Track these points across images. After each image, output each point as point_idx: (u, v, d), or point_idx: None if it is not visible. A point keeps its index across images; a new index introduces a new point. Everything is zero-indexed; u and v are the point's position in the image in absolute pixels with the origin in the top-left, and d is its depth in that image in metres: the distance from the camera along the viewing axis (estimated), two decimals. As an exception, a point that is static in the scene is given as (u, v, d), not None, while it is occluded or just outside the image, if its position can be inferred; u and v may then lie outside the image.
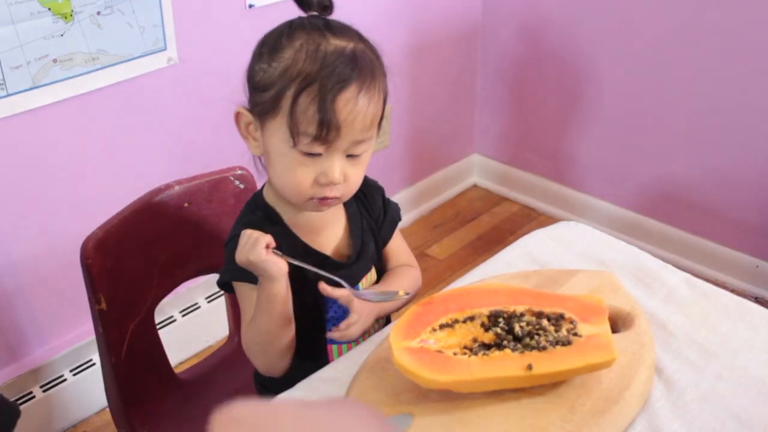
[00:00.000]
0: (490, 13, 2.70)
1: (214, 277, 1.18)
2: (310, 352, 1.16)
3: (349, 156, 1.04)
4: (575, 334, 0.97)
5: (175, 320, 2.06)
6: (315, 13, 1.05)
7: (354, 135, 1.01)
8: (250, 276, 1.06)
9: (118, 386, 1.28)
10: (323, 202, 1.06)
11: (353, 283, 1.13)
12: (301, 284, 1.08)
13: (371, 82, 1.03)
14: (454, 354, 0.94)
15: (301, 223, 1.12)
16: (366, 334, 1.18)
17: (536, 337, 0.96)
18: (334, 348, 1.17)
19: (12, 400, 1.57)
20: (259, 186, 1.20)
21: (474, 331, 0.97)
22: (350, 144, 1.02)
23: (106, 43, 1.70)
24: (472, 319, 0.98)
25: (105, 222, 1.24)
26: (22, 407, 1.81)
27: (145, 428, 1.31)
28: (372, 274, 1.19)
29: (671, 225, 2.51)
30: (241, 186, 1.38)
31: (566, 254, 1.33)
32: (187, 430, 1.32)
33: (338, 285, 1.08)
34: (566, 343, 0.96)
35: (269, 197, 1.14)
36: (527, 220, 2.79)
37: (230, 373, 1.44)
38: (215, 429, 0.52)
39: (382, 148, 2.56)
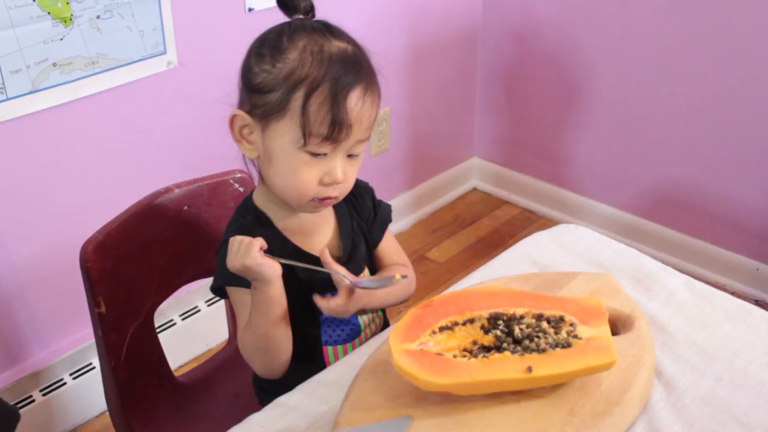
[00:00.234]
0: (490, 17, 2.70)
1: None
2: (306, 354, 1.16)
3: (349, 156, 1.07)
4: (575, 337, 0.97)
5: (175, 324, 2.06)
6: (300, 16, 1.06)
7: (359, 134, 1.04)
8: (243, 280, 1.06)
9: (117, 389, 1.28)
10: (324, 202, 1.08)
11: None
12: (293, 286, 1.09)
13: (373, 82, 1.07)
14: (454, 356, 0.94)
15: (292, 226, 1.13)
16: (366, 331, 1.19)
17: (536, 339, 0.96)
18: (329, 349, 1.18)
19: (12, 404, 1.57)
20: (257, 189, 1.20)
21: (474, 333, 0.97)
22: (354, 143, 1.05)
23: (105, 47, 1.70)
24: (471, 321, 0.98)
25: (104, 225, 1.24)
26: (21, 411, 1.80)
27: (145, 431, 1.31)
28: (365, 275, 1.19)
29: (671, 228, 2.51)
30: (241, 189, 1.38)
31: (566, 257, 1.33)
32: (186, 433, 1.32)
33: (329, 279, 1.08)
34: (566, 345, 0.96)
35: (259, 201, 1.14)
36: (527, 223, 2.79)
37: (229, 376, 1.43)
38: None
39: (382, 152, 2.56)
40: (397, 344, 0.93)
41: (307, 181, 1.04)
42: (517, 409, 0.94)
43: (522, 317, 0.99)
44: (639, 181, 2.53)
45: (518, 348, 0.95)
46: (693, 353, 1.11)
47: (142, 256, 1.28)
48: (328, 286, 1.09)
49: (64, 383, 1.89)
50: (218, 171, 1.39)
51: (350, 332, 1.18)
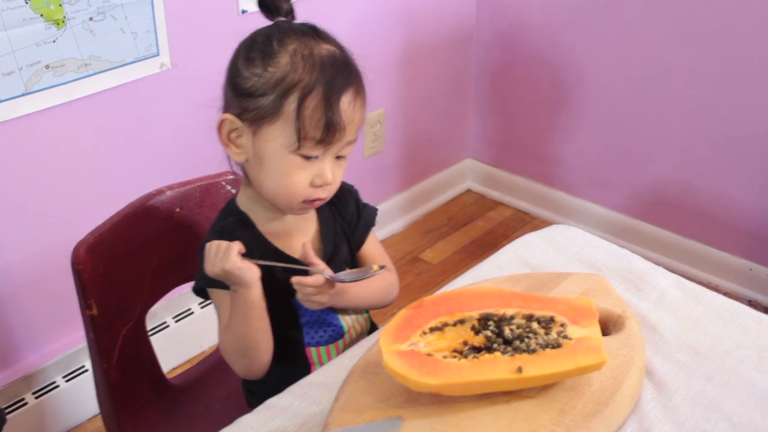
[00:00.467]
0: (483, 19, 2.71)
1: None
2: (289, 356, 1.16)
3: (337, 157, 1.07)
4: (565, 337, 0.97)
5: (168, 326, 2.06)
6: (282, 18, 1.06)
7: (350, 136, 1.06)
8: (222, 282, 1.07)
9: (109, 392, 1.28)
10: (313, 203, 1.09)
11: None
12: (273, 289, 1.09)
13: (361, 84, 1.08)
14: (444, 357, 0.94)
15: (274, 228, 1.14)
16: (350, 333, 1.20)
17: (526, 339, 0.96)
18: (312, 351, 1.18)
19: (3, 407, 1.56)
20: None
21: (464, 334, 0.97)
22: (344, 145, 1.06)
23: (98, 49, 1.70)
24: (462, 322, 0.98)
25: (96, 227, 1.24)
26: (14, 414, 1.80)
27: (137, 434, 1.31)
28: None
29: (664, 228, 2.51)
30: (233, 191, 1.38)
31: (558, 257, 1.33)
32: (179, 435, 1.32)
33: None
34: (556, 345, 0.96)
35: (243, 203, 1.15)
36: (521, 224, 2.79)
37: (222, 378, 1.43)
38: None
39: (376, 153, 2.56)
40: (387, 345, 0.93)
41: (299, 183, 1.05)
42: (508, 409, 0.94)
43: (512, 318, 0.99)
44: (632, 181, 2.54)
45: (508, 348, 0.95)
46: (684, 353, 1.12)
47: (134, 258, 1.28)
48: None
49: (57, 386, 1.89)
50: (212, 173, 1.39)
51: (332, 333, 1.19)
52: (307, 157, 1.04)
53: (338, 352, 1.19)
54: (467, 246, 2.67)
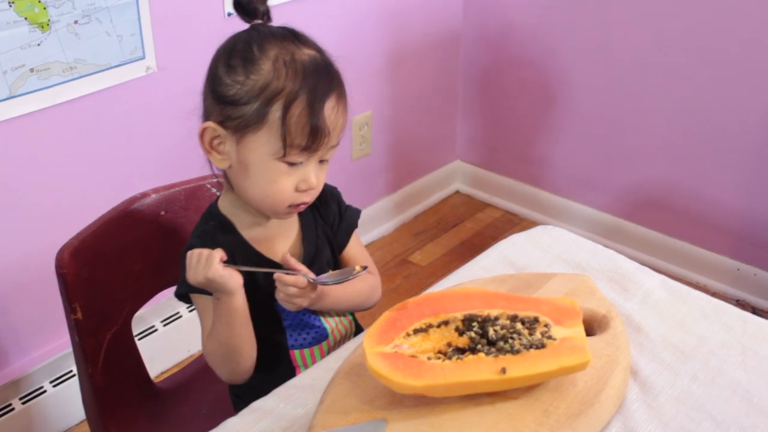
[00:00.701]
0: (470, 21, 2.71)
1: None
2: (273, 359, 1.16)
3: (321, 161, 1.07)
4: (549, 337, 0.97)
5: (156, 330, 2.05)
6: (259, 21, 1.06)
7: (334, 140, 1.05)
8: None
9: (94, 396, 1.27)
10: (298, 207, 1.09)
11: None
12: (255, 294, 1.09)
13: (343, 87, 1.07)
14: (429, 358, 0.94)
15: (256, 233, 1.13)
16: (334, 335, 1.19)
17: (510, 340, 0.96)
18: (296, 353, 1.18)
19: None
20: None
21: (448, 335, 0.97)
22: (327, 149, 1.06)
23: (83, 53, 1.70)
24: (446, 323, 0.98)
25: (80, 231, 1.23)
26: (1, 420, 1.79)
27: (123, 438, 1.30)
28: None
29: (653, 229, 2.52)
30: (218, 194, 1.37)
31: (543, 258, 1.33)
32: (165, 439, 1.32)
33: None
34: (540, 346, 0.96)
35: (225, 207, 1.14)
36: (510, 225, 2.79)
37: (208, 382, 1.43)
38: None
39: (364, 156, 2.56)
40: (371, 347, 0.93)
41: (284, 189, 1.05)
42: (492, 410, 0.94)
43: (497, 319, 0.99)
44: (620, 182, 2.54)
45: (492, 349, 0.95)
46: (669, 353, 1.12)
47: (119, 261, 1.28)
48: None
49: (45, 391, 1.88)
50: (197, 176, 1.38)
51: (316, 335, 1.18)
52: (292, 164, 1.04)
53: (323, 355, 1.19)
54: (456, 248, 2.68)
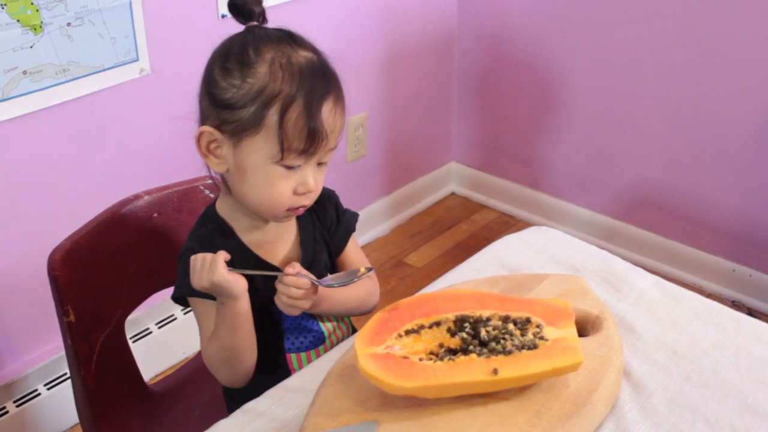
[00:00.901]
0: (465, 22, 2.71)
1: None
2: (270, 363, 1.16)
3: (319, 164, 1.07)
4: (541, 338, 0.97)
5: (151, 332, 2.05)
6: (255, 23, 1.05)
7: (332, 143, 1.05)
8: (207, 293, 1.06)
9: (88, 399, 1.27)
10: (297, 211, 1.09)
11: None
12: (254, 297, 1.08)
13: (340, 89, 1.06)
14: (420, 360, 0.94)
15: (255, 236, 1.13)
16: (331, 338, 1.19)
17: (502, 341, 0.96)
18: (293, 357, 1.17)
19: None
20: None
21: (440, 336, 0.97)
22: (326, 152, 1.05)
23: (76, 55, 1.69)
24: (438, 324, 0.98)
25: (73, 233, 1.23)
26: (-5, 423, 1.79)
27: (116, 440, 1.30)
28: None
29: (648, 230, 2.52)
30: (211, 195, 1.37)
31: (536, 259, 1.33)
32: (158, 441, 1.31)
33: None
34: (532, 347, 0.96)
35: (223, 210, 1.13)
36: (505, 227, 2.79)
37: (202, 384, 1.42)
38: None
39: (359, 157, 2.56)
40: (362, 348, 0.93)
41: (282, 192, 1.04)
42: (484, 411, 0.94)
43: (489, 319, 0.99)
44: (616, 183, 2.54)
45: (484, 350, 0.95)
46: (662, 354, 1.12)
47: (112, 263, 1.27)
48: None
49: (39, 394, 1.88)
50: (191, 178, 1.38)
51: (313, 339, 1.18)
52: (290, 167, 1.03)
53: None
54: (452, 249, 2.67)
